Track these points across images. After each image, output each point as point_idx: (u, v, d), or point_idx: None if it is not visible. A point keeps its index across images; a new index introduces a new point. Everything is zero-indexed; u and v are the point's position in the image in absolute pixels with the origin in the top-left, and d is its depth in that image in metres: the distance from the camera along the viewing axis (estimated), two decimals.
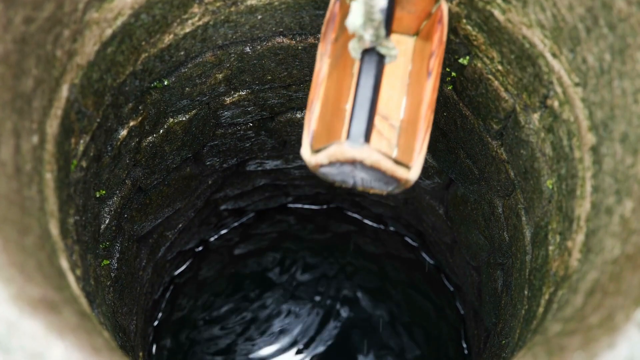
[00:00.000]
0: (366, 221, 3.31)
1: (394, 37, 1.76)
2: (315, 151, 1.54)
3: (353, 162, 1.48)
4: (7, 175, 1.25)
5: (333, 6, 1.65)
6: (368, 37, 1.53)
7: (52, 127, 1.45)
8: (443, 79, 1.94)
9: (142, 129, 1.94)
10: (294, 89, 2.21)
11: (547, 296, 1.61)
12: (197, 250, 3.22)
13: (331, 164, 1.51)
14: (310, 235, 3.29)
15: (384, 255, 3.23)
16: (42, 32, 1.38)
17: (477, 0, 1.64)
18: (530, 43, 1.58)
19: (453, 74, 1.89)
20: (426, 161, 2.39)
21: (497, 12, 1.61)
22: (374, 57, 1.58)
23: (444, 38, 1.61)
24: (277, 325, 3.06)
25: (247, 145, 2.52)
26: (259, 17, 1.85)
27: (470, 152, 2.09)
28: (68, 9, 1.44)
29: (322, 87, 1.62)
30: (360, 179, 1.61)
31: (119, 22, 1.59)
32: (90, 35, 1.54)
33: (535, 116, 1.67)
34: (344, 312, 3.09)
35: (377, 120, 1.74)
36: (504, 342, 2.05)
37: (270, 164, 2.75)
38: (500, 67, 1.72)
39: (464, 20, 1.70)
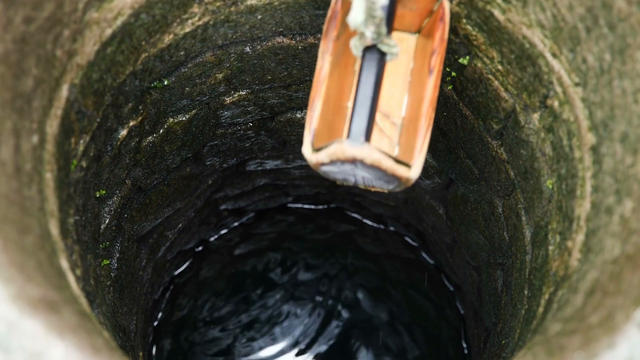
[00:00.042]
0: (366, 221, 3.31)
1: (395, 34, 1.76)
2: (317, 150, 1.54)
3: (354, 161, 1.49)
4: (7, 175, 1.25)
5: (335, 4, 1.65)
6: (369, 34, 1.53)
7: (52, 127, 1.45)
8: (443, 78, 1.94)
9: (142, 129, 1.94)
10: (294, 88, 2.21)
11: (547, 296, 1.61)
12: (197, 250, 3.22)
13: (332, 162, 1.52)
14: (310, 235, 3.29)
15: (384, 255, 3.23)
16: (42, 32, 1.38)
17: (477, 0, 1.64)
18: (530, 43, 1.58)
19: (453, 73, 1.89)
20: (426, 161, 2.39)
21: (497, 12, 1.61)
22: (375, 54, 1.57)
23: (446, 36, 1.61)
24: (277, 325, 3.06)
25: (247, 145, 2.52)
26: (259, 17, 1.85)
27: (470, 152, 2.09)
28: (68, 8, 1.44)
29: (324, 85, 1.62)
30: (361, 177, 1.61)
31: (118, 22, 1.59)
32: (90, 35, 1.54)
33: (535, 116, 1.67)
34: (344, 312, 3.09)
35: (379, 118, 1.74)
36: (504, 342, 2.05)
37: (270, 164, 2.75)
38: (500, 67, 1.72)
39: (464, 20, 1.70)
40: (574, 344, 1.17)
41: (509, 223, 2.02)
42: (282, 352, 3.01)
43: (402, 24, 1.73)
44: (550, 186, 1.67)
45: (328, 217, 3.32)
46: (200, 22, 1.78)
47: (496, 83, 1.75)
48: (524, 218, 1.89)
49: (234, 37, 1.90)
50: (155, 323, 3.08)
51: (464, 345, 3.04)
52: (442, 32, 1.61)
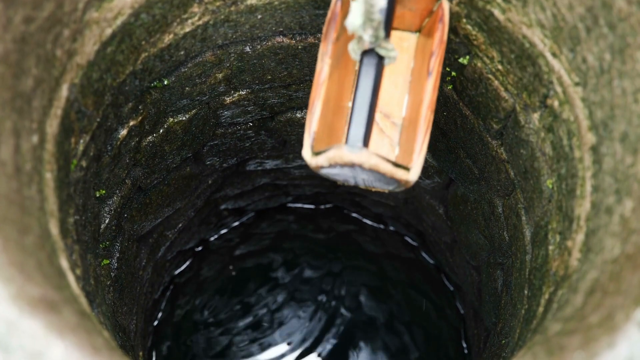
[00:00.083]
0: (366, 221, 3.31)
1: (396, 33, 1.76)
2: (316, 153, 1.54)
3: (352, 165, 1.49)
4: (7, 174, 1.25)
5: (334, 6, 1.65)
6: (367, 37, 1.53)
7: (52, 126, 1.45)
8: (443, 78, 1.94)
9: (142, 129, 1.94)
10: (294, 88, 2.21)
11: (547, 296, 1.61)
12: (197, 249, 3.22)
13: (331, 166, 1.52)
14: (310, 235, 3.29)
15: (383, 255, 3.23)
16: (42, 32, 1.38)
17: (477, 0, 1.64)
18: (530, 42, 1.58)
19: (453, 73, 1.89)
20: (426, 161, 2.39)
21: (497, 12, 1.61)
22: (374, 58, 1.57)
23: (445, 37, 1.61)
24: (277, 325, 3.06)
25: (247, 144, 2.52)
26: (259, 16, 1.85)
27: (470, 152, 2.09)
28: (68, 8, 1.44)
29: (323, 88, 1.62)
30: (361, 179, 1.62)
31: (118, 21, 1.59)
32: (90, 35, 1.54)
33: (535, 116, 1.67)
34: (344, 312, 3.09)
35: (379, 118, 1.74)
36: (503, 341, 2.05)
37: (270, 164, 2.75)
38: (500, 67, 1.72)
39: (464, 20, 1.70)
40: (574, 344, 1.17)
41: (509, 223, 2.02)
42: (281, 352, 3.01)
43: (403, 24, 1.73)
44: (550, 186, 1.67)
45: (328, 217, 3.32)
46: (200, 22, 1.78)
47: (496, 83, 1.75)
48: (524, 218, 1.89)
49: (234, 36, 1.90)
50: (156, 323, 3.08)
51: (464, 345, 3.04)
52: (441, 34, 1.61)
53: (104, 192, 1.89)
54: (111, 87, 1.68)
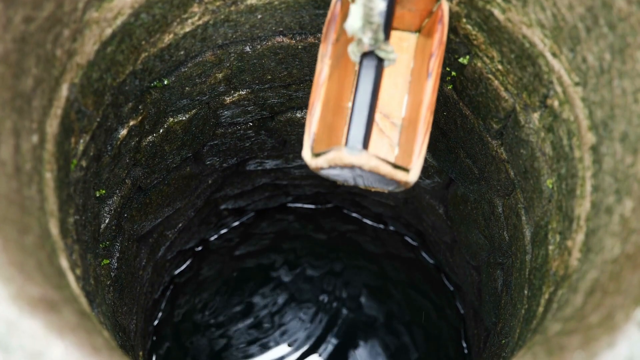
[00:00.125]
0: (366, 220, 3.31)
1: (396, 33, 1.76)
2: (316, 155, 1.55)
3: (352, 167, 1.50)
4: (7, 174, 1.25)
5: (334, 7, 1.65)
6: (367, 40, 1.54)
7: (52, 126, 1.45)
8: (443, 78, 1.94)
9: (142, 129, 1.94)
10: (294, 88, 2.21)
11: (547, 296, 1.61)
12: (197, 249, 3.22)
13: (331, 167, 1.53)
14: (310, 235, 3.29)
15: (383, 255, 3.23)
16: (41, 32, 1.38)
17: (477, 0, 1.64)
18: (530, 42, 1.58)
19: (453, 73, 1.89)
20: (426, 160, 2.39)
21: (497, 12, 1.61)
22: (373, 60, 1.58)
23: (444, 38, 1.61)
24: (276, 325, 3.06)
25: (247, 144, 2.51)
26: (259, 16, 1.85)
27: (470, 152, 2.09)
28: (68, 8, 1.44)
29: (323, 89, 1.62)
30: (361, 179, 1.62)
31: (118, 21, 1.59)
32: (90, 35, 1.54)
33: (535, 116, 1.67)
34: (344, 312, 3.09)
35: (379, 118, 1.74)
36: (503, 341, 2.05)
37: (270, 164, 2.75)
38: (500, 67, 1.71)
39: (464, 20, 1.70)
40: (573, 344, 1.17)
41: (509, 223, 2.02)
42: (281, 352, 3.01)
43: (402, 24, 1.73)
44: (550, 186, 1.67)
45: (328, 217, 3.32)
46: (200, 22, 1.78)
47: (496, 83, 1.75)
48: (524, 218, 1.89)
49: (234, 36, 1.90)
50: (156, 322, 3.08)
51: (464, 345, 3.04)
52: (440, 35, 1.61)
53: (104, 192, 1.89)
54: (111, 87, 1.68)
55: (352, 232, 3.29)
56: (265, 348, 3.01)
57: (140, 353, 2.52)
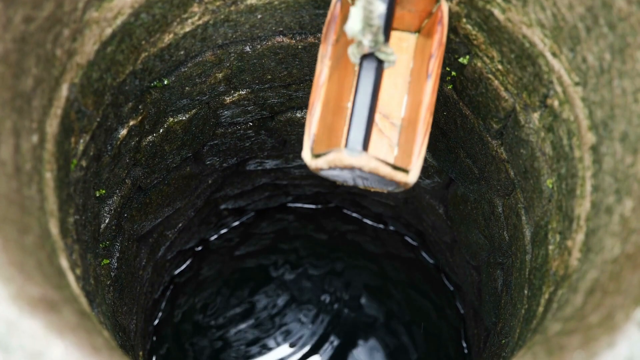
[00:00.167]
0: (366, 220, 3.31)
1: (395, 34, 1.76)
2: (316, 156, 1.56)
3: (352, 168, 1.51)
4: (7, 174, 1.25)
5: (334, 8, 1.65)
6: (367, 42, 1.54)
7: (52, 126, 1.45)
8: (443, 78, 1.94)
9: (142, 129, 1.94)
10: (294, 88, 2.21)
11: (547, 295, 1.61)
12: (197, 249, 3.22)
13: (331, 168, 1.54)
14: (310, 235, 3.30)
15: (384, 255, 3.23)
16: (41, 32, 1.38)
17: (477, 0, 1.64)
18: (530, 42, 1.58)
19: (453, 73, 1.89)
20: (426, 160, 2.39)
21: (497, 12, 1.61)
22: (373, 62, 1.59)
23: (444, 39, 1.61)
24: (276, 325, 3.06)
25: (247, 144, 2.51)
26: (259, 16, 1.85)
27: (470, 152, 2.09)
28: (68, 8, 1.44)
29: (323, 90, 1.63)
30: (360, 180, 1.63)
31: (118, 21, 1.59)
32: (90, 35, 1.54)
33: (535, 115, 1.67)
34: (344, 312, 3.09)
35: (378, 119, 1.74)
36: (503, 341, 2.05)
37: (270, 164, 2.75)
38: (500, 67, 1.71)
39: (464, 20, 1.70)
40: (573, 344, 1.17)
41: (509, 222, 2.02)
42: (281, 351, 3.01)
43: (402, 24, 1.73)
44: (550, 186, 1.67)
45: (328, 217, 3.32)
46: (200, 22, 1.78)
47: (496, 82, 1.75)
48: (524, 217, 1.89)
49: (234, 36, 1.90)
50: (156, 322, 3.08)
51: (464, 344, 3.04)
52: (440, 36, 1.61)
53: (104, 191, 1.89)
54: (111, 87, 1.68)
55: (352, 232, 3.29)
56: (264, 347, 3.01)
57: (140, 353, 2.52)
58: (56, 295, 1.20)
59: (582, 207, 1.49)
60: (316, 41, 1.97)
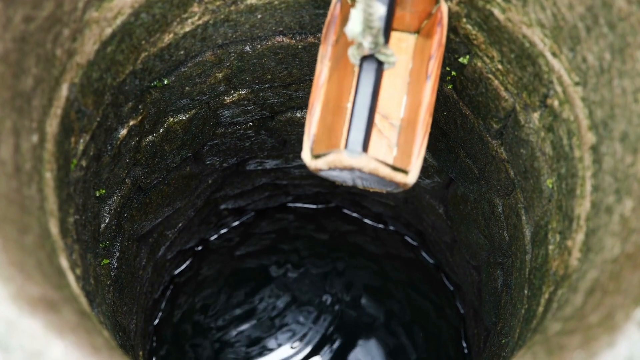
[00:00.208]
0: (366, 220, 3.31)
1: (395, 34, 1.76)
2: (316, 156, 1.56)
3: (352, 169, 1.52)
4: (7, 174, 1.25)
5: (334, 8, 1.66)
6: (367, 44, 1.55)
7: (52, 126, 1.45)
8: (443, 78, 1.94)
9: (142, 128, 1.94)
10: (294, 88, 2.21)
11: (547, 295, 1.61)
12: (197, 249, 3.22)
13: (330, 169, 1.55)
14: (310, 235, 3.30)
15: (383, 255, 3.23)
16: (41, 31, 1.38)
17: (476, 0, 1.64)
18: (530, 42, 1.58)
19: (453, 73, 1.89)
20: (426, 160, 2.39)
21: (497, 11, 1.61)
22: (373, 63, 1.59)
23: (443, 40, 1.62)
24: (276, 324, 3.06)
25: (247, 144, 2.51)
26: (259, 16, 1.85)
27: (470, 152, 2.09)
28: (68, 8, 1.44)
29: (323, 90, 1.63)
30: (360, 181, 1.64)
31: (118, 21, 1.59)
32: (90, 35, 1.54)
33: (535, 115, 1.67)
34: (344, 312, 3.09)
35: (378, 119, 1.74)
36: (503, 341, 2.05)
37: (270, 164, 2.75)
38: (500, 67, 1.71)
39: (464, 20, 1.70)
40: (573, 343, 1.17)
41: (509, 222, 2.02)
42: (281, 351, 3.01)
43: (402, 24, 1.74)
44: (550, 185, 1.67)
45: (328, 217, 3.32)
46: (200, 22, 1.78)
47: (496, 82, 1.75)
48: (524, 217, 1.89)
49: (234, 36, 1.90)
50: (156, 322, 3.08)
51: (464, 344, 3.04)
52: (439, 37, 1.61)
53: (104, 191, 1.89)
54: (111, 87, 1.68)
55: (352, 232, 3.29)
56: (264, 347, 3.01)
57: (140, 353, 2.52)
58: (56, 295, 1.20)
59: (582, 207, 1.49)
60: (316, 41, 1.97)
